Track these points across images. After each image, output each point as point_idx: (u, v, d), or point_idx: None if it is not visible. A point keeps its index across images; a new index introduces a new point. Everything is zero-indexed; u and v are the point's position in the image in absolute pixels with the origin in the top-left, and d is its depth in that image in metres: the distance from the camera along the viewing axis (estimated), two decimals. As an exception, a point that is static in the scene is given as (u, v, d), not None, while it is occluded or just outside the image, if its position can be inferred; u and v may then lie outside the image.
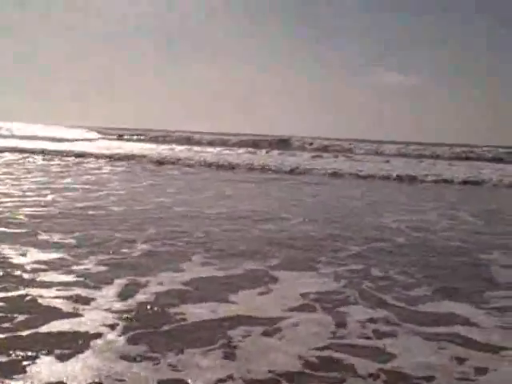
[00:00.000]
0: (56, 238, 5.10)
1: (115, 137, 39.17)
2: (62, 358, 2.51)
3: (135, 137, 39.44)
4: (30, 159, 16.09)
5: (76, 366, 2.44)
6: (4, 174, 11.09)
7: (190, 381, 2.36)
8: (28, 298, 3.34)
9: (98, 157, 17.66)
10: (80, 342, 2.71)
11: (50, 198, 7.73)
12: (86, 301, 3.31)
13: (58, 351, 2.59)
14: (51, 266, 4.09)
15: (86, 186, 9.40)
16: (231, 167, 15.88)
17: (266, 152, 24.50)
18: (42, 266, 4.06)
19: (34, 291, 3.45)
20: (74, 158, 17.44)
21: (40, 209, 6.65)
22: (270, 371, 2.49)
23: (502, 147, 30.19)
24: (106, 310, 3.17)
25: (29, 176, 10.84)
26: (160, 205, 7.57)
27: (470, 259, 5.05)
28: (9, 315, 3.00)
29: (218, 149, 26.06)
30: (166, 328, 2.94)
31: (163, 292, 3.58)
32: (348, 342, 2.90)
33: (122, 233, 5.46)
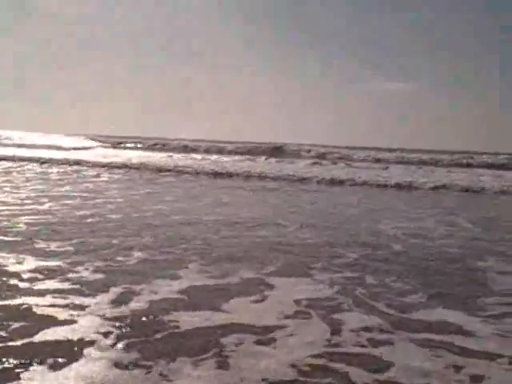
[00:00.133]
0: (53, 245, 5.10)
1: (113, 145, 39.21)
2: (55, 367, 2.51)
3: (133, 144, 39.51)
4: (29, 167, 16.12)
5: (69, 374, 2.44)
6: (2, 182, 11.11)
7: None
8: (23, 305, 3.34)
9: (95, 165, 17.69)
10: (73, 349, 2.71)
11: (47, 206, 7.74)
12: (81, 309, 3.31)
13: (51, 359, 2.59)
14: (47, 273, 4.10)
15: (84, 194, 9.42)
16: (228, 175, 15.86)
17: (265, 159, 24.50)
18: (39, 274, 4.06)
19: (29, 299, 3.46)
20: (72, 166, 17.45)
21: (38, 217, 6.66)
22: (262, 379, 2.48)
23: (502, 154, 30.22)
24: (100, 317, 3.17)
25: (27, 184, 10.86)
26: (157, 212, 7.58)
27: (466, 266, 5.04)
28: (4, 323, 3.01)
29: (215, 156, 26.11)
30: (158, 336, 2.94)
31: (157, 300, 3.57)
32: (343, 350, 2.89)
33: (119, 240, 5.47)
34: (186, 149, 33.77)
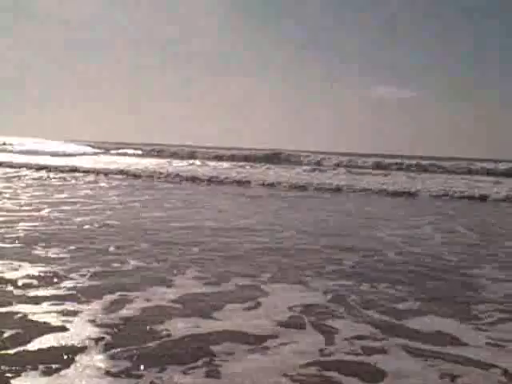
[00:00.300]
0: (50, 252, 5.11)
1: (112, 151, 39.28)
2: (45, 374, 2.51)
3: (132, 151, 39.56)
4: (28, 174, 16.13)
5: (60, 382, 2.44)
6: (1, 188, 11.13)
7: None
8: (17, 312, 3.34)
9: (94, 171, 17.67)
10: (64, 357, 2.71)
11: (46, 212, 7.75)
12: (74, 315, 3.31)
13: (41, 367, 2.58)
14: (43, 280, 4.10)
15: (83, 200, 9.43)
16: (227, 181, 15.86)
17: (264, 165, 24.52)
18: (34, 281, 4.07)
19: (24, 306, 3.45)
20: (71, 172, 17.45)
21: (36, 223, 6.67)
22: (253, 388, 2.48)
23: (501, 161, 30.22)
24: (92, 324, 3.17)
25: (26, 190, 10.88)
26: (156, 219, 7.59)
27: (462, 273, 5.04)
28: (-2, 330, 3.01)
29: (214, 163, 26.15)
30: (150, 344, 2.93)
31: (151, 307, 3.57)
32: (335, 358, 2.88)
33: (116, 247, 5.48)
34: (184, 155, 33.80)
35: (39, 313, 3.35)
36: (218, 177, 16.56)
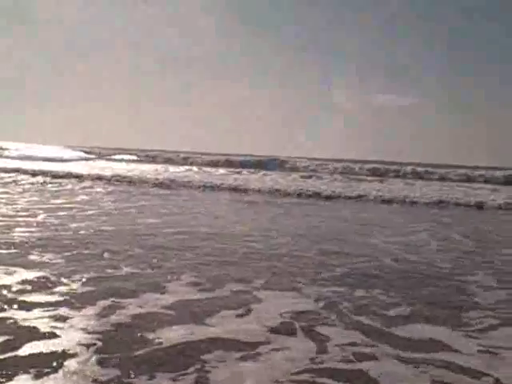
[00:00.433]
0: (45, 257, 5.11)
1: (108, 156, 39.26)
2: (34, 380, 2.50)
3: (127, 156, 39.53)
4: (24, 179, 16.10)
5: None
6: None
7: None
8: (9, 318, 3.33)
9: (91, 177, 17.61)
10: (54, 363, 2.70)
11: (42, 217, 7.75)
12: (65, 322, 3.30)
13: (31, 372, 2.58)
14: (36, 286, 4.10)
15: (78, 206, 9.43)
16: (222, 188, 15.82)
17: (263, 174, 24.53)
18: (28, 286, 4.06)
19: (16, 312, 3.45)
20: (66, 178, 17.38)
21: (32, 229, 6.67)
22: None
23: (500, 168, 30.30)
24: (83, 331, 3.16)
25: (22, 196, 10.88)
26: (151, 225, 7.60)
27: (455, 280, 5.05)
28: (-13, 336, 3.00)
29: (210, 169, 26.18)
30: (140, 352, 2.92)
31: (143, 314, 3.56)
32: (327, 366, 2.88)
33: (111, 253, 5.48)
34: (180, 160, 33.80)
35: (31, 318, 3.34)
36: (214, 183, 16.55)
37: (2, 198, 10.07)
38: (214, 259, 5.46)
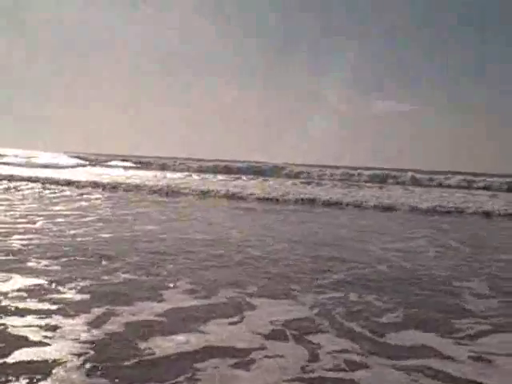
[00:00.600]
0: (42, 264, 5.13)
1: (104, 163, 39.26)
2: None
3: (125, 163, 39.51)
4: (23, 186, 16.10)
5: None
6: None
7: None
8: (1, 324, 3.34)
9: (88, 184, 17.58)
10: (42, 372, 2.70)
11: (40, 224, 7.78)
12: (58, 330, 3.31)
13: (17, 381, 2.58)
14: (32, 292, 4.11)
15: (76, 213, 9.46)
16: (220, 195, 15.74)
17: (262, 180, 24.57)
18: (23, 293, 4.08)
19: (8, 318, 3.46)
20: (65, 184, 17.34)
21: (30, 236, 6.69)
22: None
23: (500, 175, 30.32)
24: (75, 339, 3.16)
25: (20, 203, 10.91)
26: (148, 232, 7.62)
27: (449, 287, 5.06)
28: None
29: (208, 175, 26.19)
30: (131, 361, 2.91)
31: (136, 322, 3.56)
32: (319, 374, 2.88)
33: (108, 260, 5.49)
34: (176, 167, 33.77)
35: (23, 325, 3.35)
36: (211, 189, 16.53)
37: (2, 205, 10.10)
38: (209, 266, 5.48)
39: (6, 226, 7.44)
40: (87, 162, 39.05)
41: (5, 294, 4.02)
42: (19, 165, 31.05)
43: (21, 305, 3.79)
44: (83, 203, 11.61)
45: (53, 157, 44.02)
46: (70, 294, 4.14)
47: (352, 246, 7.28)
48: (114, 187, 16.82)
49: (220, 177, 25.74)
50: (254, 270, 5.38)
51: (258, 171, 30.50)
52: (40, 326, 3.37)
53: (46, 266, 5.09)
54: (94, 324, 3.47)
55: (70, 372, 2.72)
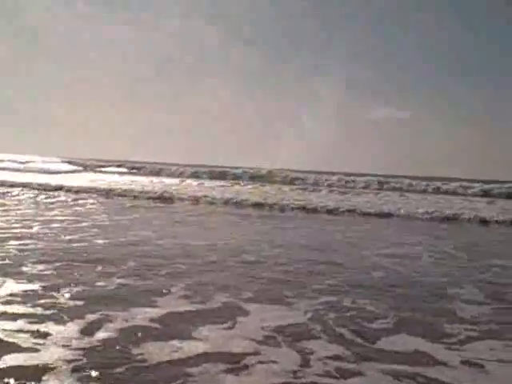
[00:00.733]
0: (37, 269, 5.13)
1: (97, 169, 39.21)
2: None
3: (118, 169, 39.43)
4: (19, 191, 16.03)
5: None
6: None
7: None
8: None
9: (83, 189, 17.45)
10: (32, 379, 2.69)
11: (35, 229, 7.78)
12: (49, 335, 3.30)
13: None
14: (25, 298, 4.11)
15: (72, 218, 9.45)
16: (216, 201, 15.58)
17: (259, 186, 24.57)
18: (16, 298, 4.07)
19: (0, 323, 3.46)
20: (59, 190, 17.19)
21: (25, 241, 6.68)
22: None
23: (495, 182, 30.36)
24: (66, 345, 3.15)
25: (16, 208, 10.90)
26: (143, 237, 7.62)
27: (442, 293, 5.07)
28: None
29: (199, 181, 26.19)
30: (123, 368, 2.89)
31: (129, 328, 3.55)
32: (311, 380, 2.88)
33: (103, 265, 5.49)
34: (172, 173, 33.71)
35: (14, 330, 3.34)
36: (207, 195, 16.49)
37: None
38: (205, 271, 5.49)
39: (2, 230, 7.44)
40: (81, 168, 39.02)
41: (-3, 299, 4.02)
42: (15, 170, 31.02)
43: (14, 309, 3.78)
44: (79, 209, 11.62)
45: (46, 162, 44.08)
46: (64, 299, 4.14)
47: (347, 252, 7.30)
48: (109, 193, 16.76)
49: (216, 182, 25.72)
50: (248, 276, 5.39)
51: (253, 177, 30.47)
52: (32, 332, 3.36)
53: (40, 270, 5.09)
54: (87, 329, 3.47)
55: (60, 378, 2.71)
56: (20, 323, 3.51)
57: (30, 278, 4.74)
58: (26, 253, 5.90)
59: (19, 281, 4.63)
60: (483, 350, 3.50)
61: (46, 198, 13.96)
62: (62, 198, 14.21)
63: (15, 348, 3.07)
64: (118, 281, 4.87)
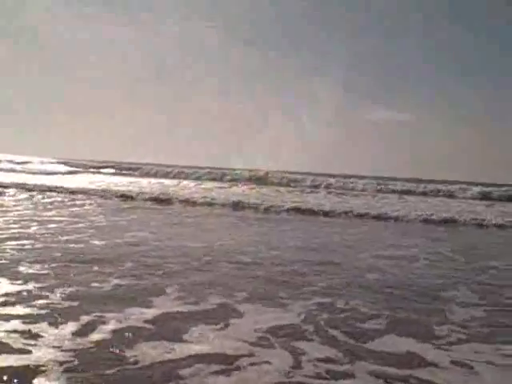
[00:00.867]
0: (32, 270, 5.14)
1: (94, 170, 39.23)
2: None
3: (116, 170, 39.44)
4: (16, 192, 16.02)
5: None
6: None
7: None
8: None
9: (80, 190, 17.36)
10: (22, 380, 2.70)
11: (32, 230, 7.79)
12: (42, 337, 3.30)
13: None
14: (19, 298, 4.12)
15: (69, 219, 9.46)
16: (213, 203, 15.47)
17: (258, 189, 24.58)
18: (11, 299, 4.08)
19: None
20: (57, 191, 17.05)
21: (23, 241, 6.69)
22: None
23: (493, 185, 30.41)
24: (58, 347, 3.14)
25: (14, 209, 10.91)
26: (140, 238, 7.63)
27: (436, 296, 5.09)
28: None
29: (196, 182, 26.19)
30: (114, 369, 2.89)
31: (123, 329, 3.55)
32: (303, 380, 2.90)
33: (99, 266, 5.50)
34: (171, 174, 33.72)
35: (7, 331, 3.34)
36: (205, 196, 16.47)
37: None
38: (201, 272, 5.50)
39: (0, 231, 7.45)
40: (79, 169, 39.03)
41: (-9, 300, 4.02)
42: (13, 171, 31.00)
43: (7, 310, 3.79)
44: (76, 209, 11.62)
45: (44, 163, 44.13)
46: (59, 300, 4.15)
47: (343, 253, 7.31)
48: (106, 194, 16.71)
49: (213, 184, 25.72)
50: (244, 277, 5.40)
51: (251, 178, 30.46)
52: (25, 332, 3.36)
53: (36, 271, 5.10)
54: (81, 330, 3.47)
55: (50, 380, 2.72)
56: (13, 324, 3.51)
57: (26, 279, 4.75)
58: (22, 253, 5.92)
59: (14, 282, 4.63)
60: (474, 351, 3.52)
61: (42, 199, 13.96)
62: (60, 199, 14.20)
63: (7, 349, 3.08)
64: (115, 281, 4.89)
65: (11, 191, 16.22)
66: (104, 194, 16.64)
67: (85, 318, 3.72)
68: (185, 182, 26.48)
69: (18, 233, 7.42)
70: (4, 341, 3.20)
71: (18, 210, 10.50)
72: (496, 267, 6.96)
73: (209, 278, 5.24)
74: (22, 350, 3.07)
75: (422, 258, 7.30)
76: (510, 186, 28.69)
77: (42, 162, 45.30)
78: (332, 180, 29.26)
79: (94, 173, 35.71)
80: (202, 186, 23.55)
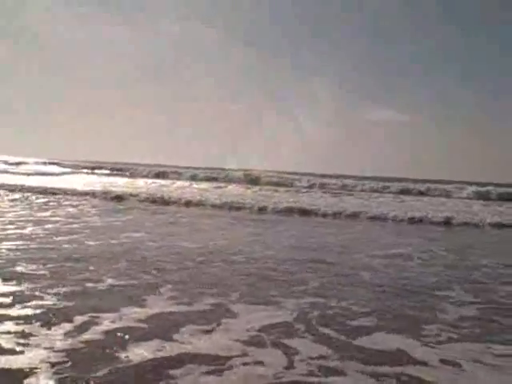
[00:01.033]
0: (27, 270, 5.15)
1: (91, 171, 39.19)
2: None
3: (111, 171, 39.40)
4: (8, 193, 15.95)
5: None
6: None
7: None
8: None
9: (77, 191, 17.27)
10: (13, 381, 2.70)
11: (28, 230, 7.79)
12: (35, 338, 3.29)
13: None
14: (14, 298, 4.12)
15: (64, 220, 9.47)
16: (209, 204, 15.38)
17: (254, 189, 24.59)
18: (6, 299, 4.08)
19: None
20: (52, 192, 16.86)
21: (18, 242, 6.69)
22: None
23: (489, 184, 30.49)
24: (51, 348, 3.14)
25: (9, 210, 10.91)
26: (135, 239, 7.64)
27: (430, 295, 5.11)
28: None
29: (192, 183, 26.16)
30: (106, 370, 2.88)
31: (116, 330, 3.56)
32: (295, 379, 2.92)
33: (94, 266, 5.52)
34: (165, 175, 33.70)
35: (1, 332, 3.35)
36: (200, 197, 16.45)
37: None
38: (195, 272, 5.52)
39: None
40: (76, 170, 39.00)
41: (-14, 300, 4.03)
42: (7, 172, 30.93)
43: (1, 311, 3.79)
44: (71, 210, 11.62)
45: (38, 163, 44.08)
46: (54, 300, 4.16)
47: (337, 253, 7.34)
48: (102, 194, 16.65)
49: (209, 184, 25.72)
50: (238, 277, 5.42)
51: (248, 179, 30.46)
52: (17, 334, 3.36)
53: (32, 271, 5.11)
54: (74, 331, 3.48)
55: (41, 381, 2.72)
56: (7, 324, 3.52)
57: (22, 279, 4.75)
58: (17, 253, 5.92)
59: (10, 282, 4.64)
60: (464, 350, 3.55)
61: (38, 199, 13.96)
62: (55, 200, 14.18)
63: (1, 350, 3.08)
64: (109, 281, 4.90)
65: (5, 192, 16.19)
66: (100, 194, 16.60)
67: (79, 318, 3.73)
68: (180, 183, 26.46)
69: (14, 233, 7.42)
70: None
71: (14, 211, 10.49)
72: (490, 266, 6.99)
73: (202, 278, 5.26)
74: (13, 351, 3.07)
75: (416, 257, 7.34)
76: (506, 185, 28.79)
77: (38, 163, 45.22)
78: (328, 180, 29.30)
79: (89, 173, 35.68)
80: (197, 187, 23.56)
